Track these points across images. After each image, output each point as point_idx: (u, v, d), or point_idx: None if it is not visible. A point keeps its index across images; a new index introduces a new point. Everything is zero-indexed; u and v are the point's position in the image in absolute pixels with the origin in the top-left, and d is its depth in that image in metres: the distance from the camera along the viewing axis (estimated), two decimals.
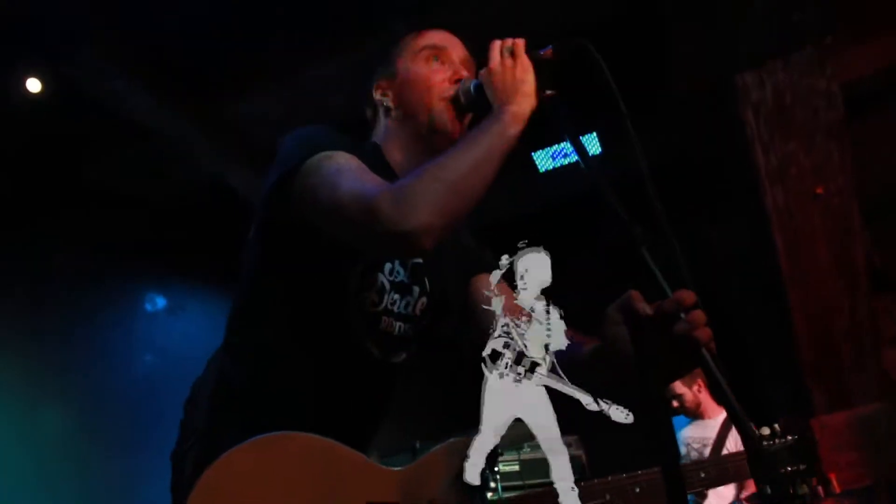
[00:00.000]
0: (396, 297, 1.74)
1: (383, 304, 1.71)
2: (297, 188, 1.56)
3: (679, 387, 4.40)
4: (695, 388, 4.41)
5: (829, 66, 4.51)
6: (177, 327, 5.45)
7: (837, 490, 4.03)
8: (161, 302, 5.53)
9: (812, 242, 4.53)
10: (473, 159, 1.47)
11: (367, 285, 1.68)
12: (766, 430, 1.80)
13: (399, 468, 1.61)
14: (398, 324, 1.75)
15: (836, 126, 4.51)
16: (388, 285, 1.71)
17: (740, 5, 4.45)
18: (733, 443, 4.17)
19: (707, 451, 4.26)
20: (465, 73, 1.79)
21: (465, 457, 1.52)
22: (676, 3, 4.50)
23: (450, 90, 1.75)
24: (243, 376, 1.69)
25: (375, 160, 1.73)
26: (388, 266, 1.72)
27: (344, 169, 1.52)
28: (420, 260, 1.79)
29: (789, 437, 1.89)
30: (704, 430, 4.38)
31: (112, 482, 4.52)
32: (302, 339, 1.66)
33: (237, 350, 1.74)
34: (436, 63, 1.81)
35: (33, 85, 4.06)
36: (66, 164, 4.78)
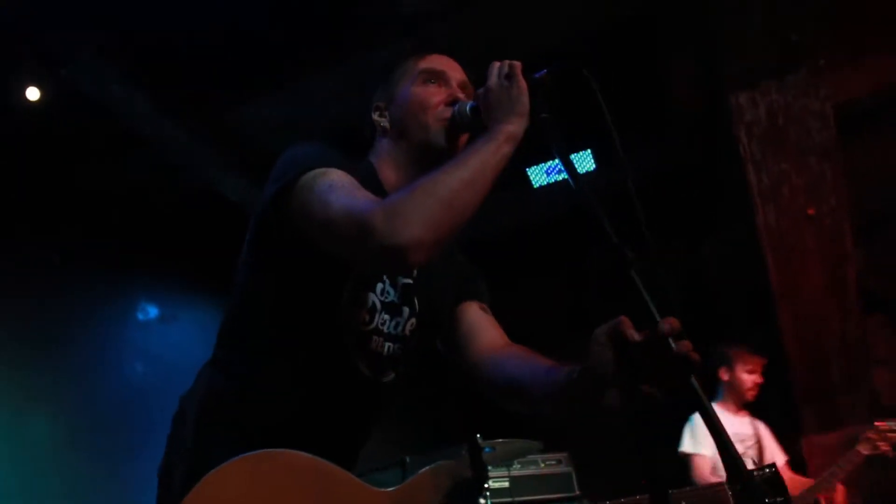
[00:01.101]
0: (386, 317, 1.75)
1: (374, 324, 1.72)
2: (291, 204, 1.57)
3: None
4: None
5: (823, 87, 4.55)
6: (169, 336, 5.43)
7: None
8: (153, 311, 5.51)
9: (804, 262, 4.55)
10: (466, 176, 1.49)
11: (358, 304, 1.68)
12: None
13: (390, 489, 1.62)
14: (388, 344, 1.76)
15: (829, 147, 4.55)
16: (378, 305, 1.72)
17: (735, 26, 4.49)
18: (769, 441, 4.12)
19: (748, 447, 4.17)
20: (461, 96, 1.80)
21: (452, 478, 1.54)
22: (672, 23, 4.54)
23: (446, 111, 1.76)
24: (231, 391, 1.69)
25: (369, 178, 1.74)
26: (379, 286, 1.73)
27: (337, 185, 1.53)
28: (410, 280, 1.81)
29: (767, 470, 1.92)
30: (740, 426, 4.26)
31: (101, 493, 4.48)
32: (291, 356, 1.66)
33: (226, 364, 1.74)
34: (433, 86, 1.83)
35: (32, 94, 4.07)
36: (58, 170, 4.78)
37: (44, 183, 4.67)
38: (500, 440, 3.70)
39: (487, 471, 1.71)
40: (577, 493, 4.60)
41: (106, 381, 4.85)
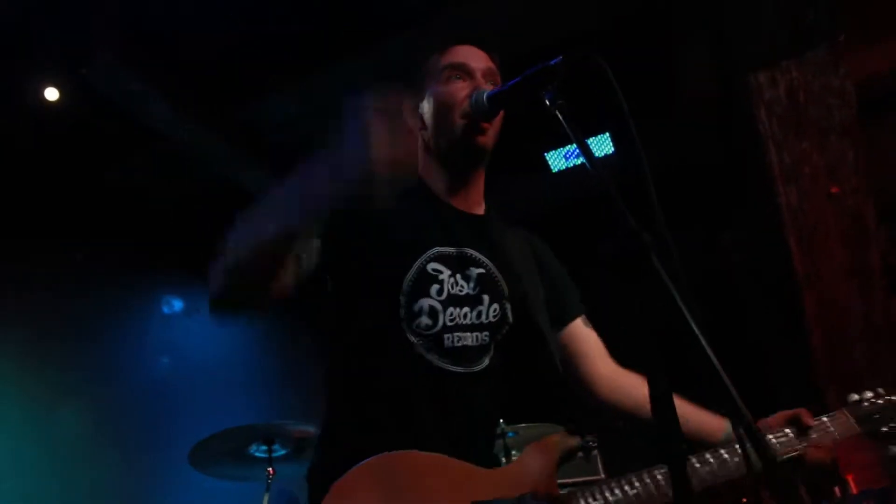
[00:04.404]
0: (459, 310, 1.79)
1: (440, 324, 1.76)
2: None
3: None
4: None
5: (843, 64, 4.48)
6: (193, 329, 5.49)
7: (855, 491, 4.01)
8: (178, 304, 5.57)
9: (826, 243, 4.50)
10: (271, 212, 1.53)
11: (412, 316, 1.73)
12: (867, 393, 1.88)
13: (502, 467, 1.71)
14: (471, 334, 1.80)
15: (851, 125, 4.48)
16: (439, 305, 1.76)
17: (753, 5, 4.43)
18: None
19: None
20: (483, 86, 1.82)
21: (560, 450, 1.70)
22: (686, 6, 4.50)
23: (469, 106, 1.78)
24: (333, 441, 1.77)
25: (415, 192, 1.84)
26: (434, 287, 1.76)
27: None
28: (483, 270, 1.84)
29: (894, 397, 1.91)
30: None
31: (128, 482, 4.55)
32: (376, 384, 1.73)
33: (324, 421, 1.83)
34: (457, 82, 1.85)
35: (51, 94, 4.11)
36: (80, 169, 4.83)
37: (67, 182, 4.72)
38: (524, 425, 3.71)
39: (594, 443, 1.80)
40: (603, 475, 4.60)
41: (133, 374, 4.92)
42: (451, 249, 1.81)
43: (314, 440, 2.18)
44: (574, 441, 1.78)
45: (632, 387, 1.96)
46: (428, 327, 1.74)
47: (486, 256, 1.86)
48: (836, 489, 3.92)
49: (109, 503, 4.39)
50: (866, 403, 1.89)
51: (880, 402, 1.90)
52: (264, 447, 3.71)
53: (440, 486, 1.57)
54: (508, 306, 1.86)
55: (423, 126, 1.89)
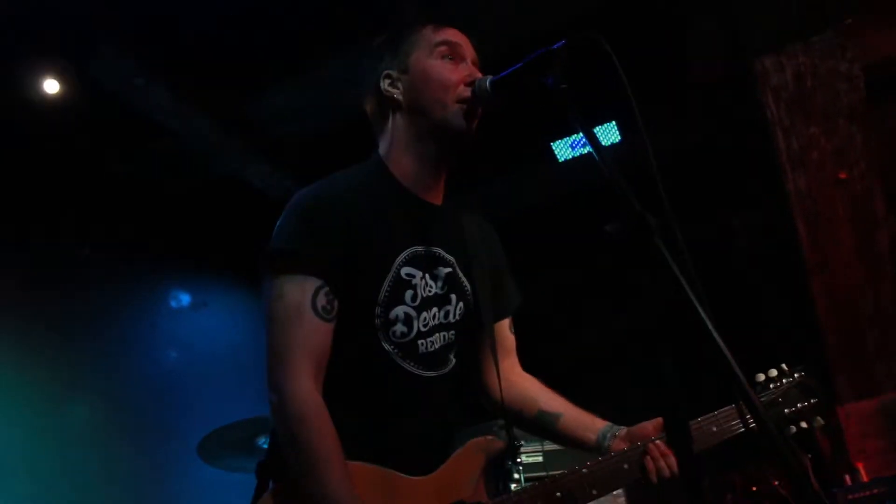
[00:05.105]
0: (430, 312, 1.79)
1: (415, 330, 1.76)
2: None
3: None
4: None
5: (850, 48, 4.45)
6: (201, 323, 5.50)
7: (865, 478, 3.98)
8: (185, 298, 5.58)
9: (835, 228, 4.47)
10: (317, 491, 1.53)
11: (387, 324, 1.73)
12: (772, 372, 1.90)
13: (431, 475, 1.70)
14: (439, 335, 1.81)
15: (858, 109, 4.45)
16: (413, 311, 1.76)
17: None
18: None
19: None
20: (479, 74, 1.79)
21: (486, 454, 1.69)
22: None
23: (465, 91, 1.75)
24: None
25: (379, 182, 1.80)
26: (408, 294, 1.75)
27: (277, 319, 1.65)
28: (450, 269, 1.84)
29: (795, 375, 1.93)
30: None
31: (137, 476, 4.57)
32: (352, 388, 1.73)
33: None
34: (450, 62, 1.80)
35: (51, 86, 4.10)
36: (85, 164, 4.83)
37: (71, 177, 4.72)
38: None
39: (520, 444, 1.81)
40: None
41: (141, 368, 4.93)
42: (421, 249, 1.79)
43: None
44: (500, 444, 1.78)
45: (526, 392, 1.99)
46: (403, 335, 1.74)
47: (451, 254, 1.85)
48: (847, 477, 3.90)
49: (118, 496, 4.40)
50: (772, 386, 1.92)
51: (782, 383, 1.91)
52: None
53: (371, 498, 1.57)
54: (470, 302, 1.88)
55: (400, 95, 1.81)
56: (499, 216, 2.10)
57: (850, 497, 3.66)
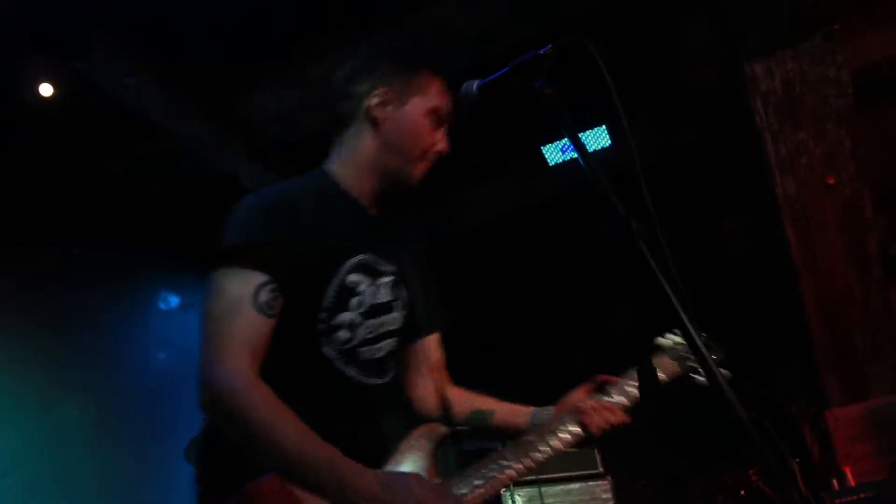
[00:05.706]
0: (378, 319, 1.82)
1: (358, 338, 1.77)
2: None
3: None
4: None
5: (839, 53, 4.48)
6: (190, 325, 5.48)
7: (853, 483, 4.00)
8: (174, 300, 5.56)
9: (824, 231, 4.50)
10: (285, 457, 1.51)
11: (330, 330, 1.73)
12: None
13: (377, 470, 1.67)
14: (385, 342, 1.84)
15: (847, 114, 4.48)
16: (359, 318, 1.77)
17: None
18: None
19: None
20: (446, 142, 1.92)
21: (432, 439, 1.74)
22: None
23: (431, 156, 1.89)
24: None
25: (327, 190, 1.85)
26: (355, 300, 1.77)
27: (213, 312, 1.64)
28: (393, 277, 1.88)
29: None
30: None
31: (128, 476, 4.56)
32: (298, 394, 1.65)
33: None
34: (437, 131, 1.91)
35: (45, 89, 4.08)
36: (80, 162, 4.81)
37: (62, 178, 4.71)
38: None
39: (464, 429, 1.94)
40: (601, 470, 4.61)
41: (130, 369, 4.92)
42: (367, 257, 1.81)
43: None
44: (442, 429, 1.81)
45: (458, 398, 2.06)
46: (346, 341, 1.75)
47: (393, 263, 1.88)
48: (835, 481, 3.92)
49: (107, 497, 4.39)
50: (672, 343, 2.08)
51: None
52: None
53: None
54: (409, 312, 1.92)
55: (383, 119, 1.86)
56: (489, 220, 2.12)
57: (837, 501, 3.68)
